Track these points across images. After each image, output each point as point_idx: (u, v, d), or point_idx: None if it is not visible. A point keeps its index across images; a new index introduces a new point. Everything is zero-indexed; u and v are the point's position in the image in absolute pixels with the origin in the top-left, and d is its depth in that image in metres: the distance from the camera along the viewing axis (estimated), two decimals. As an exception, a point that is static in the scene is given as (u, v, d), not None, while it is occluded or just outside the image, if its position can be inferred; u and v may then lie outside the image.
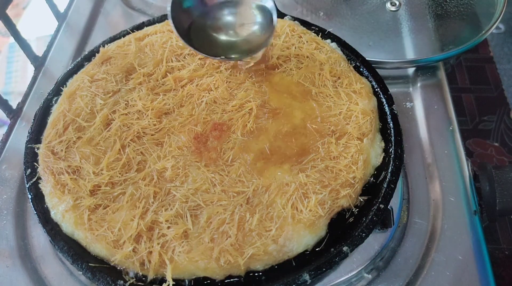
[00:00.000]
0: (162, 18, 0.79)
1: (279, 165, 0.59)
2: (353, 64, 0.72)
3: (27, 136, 0.65)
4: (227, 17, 0.68)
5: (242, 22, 0.68)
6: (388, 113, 0.66)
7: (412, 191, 0.74)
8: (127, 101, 0.66)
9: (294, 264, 0.53)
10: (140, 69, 0.69)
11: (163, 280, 0.52)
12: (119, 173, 0.59)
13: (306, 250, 0.54)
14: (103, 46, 0.75)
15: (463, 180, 0.75)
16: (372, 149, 0.61)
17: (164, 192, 0.57)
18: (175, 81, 0.68)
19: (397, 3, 0.97)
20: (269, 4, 0.66)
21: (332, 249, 0.54)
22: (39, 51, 0.98)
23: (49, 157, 0.60)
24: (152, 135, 0.63)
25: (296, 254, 0.54)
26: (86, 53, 0.76)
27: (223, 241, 0.52)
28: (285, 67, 0.70)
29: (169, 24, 0.68)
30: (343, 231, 0.56)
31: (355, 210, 0.57)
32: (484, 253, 0.67)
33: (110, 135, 0.62)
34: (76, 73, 0.72)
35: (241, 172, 0.58)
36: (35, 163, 0.62)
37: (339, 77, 0.68)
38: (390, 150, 0.61)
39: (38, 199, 0.59)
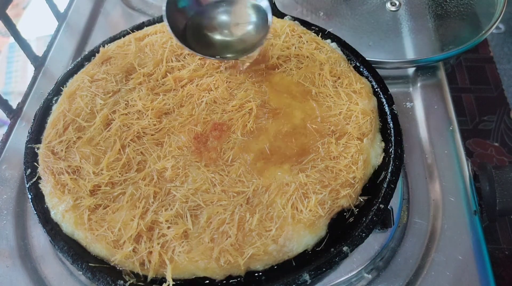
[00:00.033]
0: (162, 18, 0.79)
1: (279, 165, 0.59)
2: (353, 64, 0.72)
3: (27, 136, 0.65)
4: (222, 16, 0.68)
5: (237, 22, 0.68)
6: (388, 113, 0.66)
7: (412, 191, 0.74)
8: (127, 101, 0.66)
9: (294, 264, 0.53)
10: (140, 69, 0.69)
11: (163, 280, 0.52)
12: (119, 173, 0.59)
13: (306, 250, 0.54)
14: (103, 46, 0.75)
15: (463, 180, 0.75)
16: (372, 149, 0.61)
17: (164, 192, 0.57)
18: (175, 81, 0.68)
19: (397, 3, 0.97)
20: (264, 4, 0.66)
21: (332, 249, 0.54)
22: (39, 51, 0.98)
23: (49, 157, 0.60)
24: (152, 135, 0.63)
25: (296, 254, 0.54)
26: (86, 53, 0.76)
27: (223, 241, 0.52)
28: (285, 67, 0.70)
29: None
30: (343, 231, 0.56)
31: (355, 210, 0.57)
32: (484, 253, 0.67)
33: (110, 135, 0.62)
34: (76, 73, 0.72)
35: (241, 172, 0.58)
36: (35, 163, 0.62)
37: (339, 77, 0.68)
38: (390, 150, 0.61)
39: (38, 199, 0.59)
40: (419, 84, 0.89)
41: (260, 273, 0.53)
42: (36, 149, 0.63)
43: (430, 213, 0.72)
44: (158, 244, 0.52)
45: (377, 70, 0.70)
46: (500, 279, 0.86)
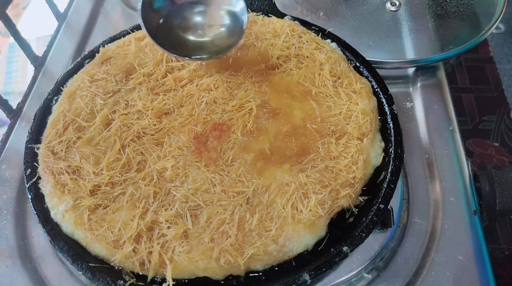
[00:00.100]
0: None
1: (279, 165, 0.59)
2: (353, 64, 0.72)
3: (27, 136, 0.65)
4: (197, 17, 0.68)
5: (211, 23, 0.68)
6: (388, 113, 0.66)
7: (412, 191, 0.74)
8: (127, 101, 0.66)
9: (294, 264, 0.53)
10: (140, 69, 0.69)
11: (163, 280, 0.52)
12: (119, 173, 0.59)
13: (306, 250, 0.54)
14: (103, 46, 0.75)
15: (463, 180, 0.75)
16: (372, 149, 0.61)
17: (164, 192, 0.57)
18: (175, 81, 0.68)
19: (397, 3, 0.97)
20: (240, 6, 0.66)
21: (332, 249, 0.54)
22: (39, 51, 0.98)
23: (49, 157, 0.60)
24: (152, 135, 0.63)
25: (296, 254, 0.54)
26: (86, 53, 0.76)
27: (223, 241, 0.52)
28: (285, 67, 0.70)
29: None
30: (343, 231, 0.56)
31: (355, 210, 0.57)
32: (484, 253, 0.67)
33: (110, 135, 0.62)
34: (76, 73, 0.72)
35: (241, 172, 0.58)
36: (35, 163, 0.62)
37: (339, 77, 0.68)
38: (390, 150, 0.61)
39: (38, 199, 0.59)
40: (419, 84, 0.89)
41: (260, 273, 0.53)
42: (36, 149, 0.63)
43: (430, 213, 0.72)
44: (158, 244, 0.52)
45: (377, 70, 0.70)
46: (500, 279, 0.86)
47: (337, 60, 0.69)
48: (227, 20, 0.68)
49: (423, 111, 0.85)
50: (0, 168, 0.80)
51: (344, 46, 0.74)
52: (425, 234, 0.70)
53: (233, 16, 0.67)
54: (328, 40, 0.74)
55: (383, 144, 0.63)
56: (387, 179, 0.59)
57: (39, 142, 0.64)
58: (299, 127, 0.63)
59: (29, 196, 0.59)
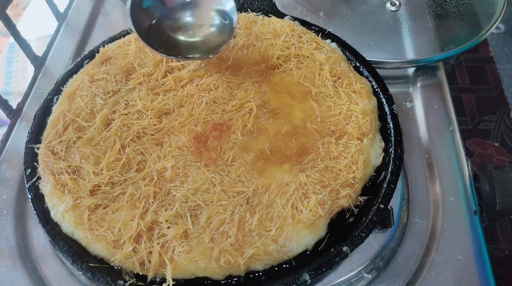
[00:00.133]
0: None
1: (279, 165, 0.59)
2: (353, 64, 0.72)
3: (27, 136, 0.65)
4: (187, 17, 0.68)
5: (201, 23, 0.68)
6: (388, 113, 0.66)
7: (412, 191, 0.74)
8: (127, 101, 0.66)
9: (294, 264, 0.53)
10: (140, 69, 0.69)
11: (163, 280, 0.52)
12: (119, 173, 0.59)
13: (306, 250, 0.54)
14: (103, 46, 0.75)
15: (463, 180, 0.75)
16: (372, 149, 0.61)
17: (164, 192, 0.57)
18: (175, 81, 0.68)
19: (397, 3, 0.97)
20: (230, 6, 0.66)
21: (332, 249, 0.54)
22: (39, 51, 0.98)
23: (49, 157, 0.60)
24: (152, 135, 0.63)
25: (296, 254, 0.53)
26: (86, 53, 0.76)
27: (223, 241, 0.52)
28: (285, 67, 0.70)
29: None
30: (343, 231, 0.56)
31: (355, 210, 0.57)
32: (484, 253, 0.67)
33: (110, 135, 0.62)
34: (76, 73, 0.72)
35: (241, 172, 0.58)
36: (35, 163, 0.62)
37: (339, 77, 0.68)
38: (390, 150, 0.61)
39: (38, 199, 0.59)
40: (419, 84, 0.89)
41: (260, 273, 0.53)
42: (36, 149, 0.63)
43: (430, 213, 0.72)
44: (158, 244, 0.52)
45: (377, 70, 0.70)
46: (500, 279, 0.86)
47: (337, 60, 0.69)
48: (217, 20, 0.68)
49: (423, 111, 0.85)
50: (0, 168, 0.80)
51: (344, 46, 0.74)
52: (425, 234, 0.70)
53: (223, 15, 0.67)
54: (328, 40, 0.74)
55: (383, 144, 0.63)
56: (387, 179, 0.59)
57: (39, 142, 0.64)
58: (299, 127, 0.63)
59: (29, 196, 0.59)
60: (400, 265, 0.67)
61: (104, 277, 0.52)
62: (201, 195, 0.56)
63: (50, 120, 0.66)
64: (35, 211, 0.58)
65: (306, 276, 0.51)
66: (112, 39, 0.77)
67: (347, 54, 0.73)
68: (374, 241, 0.67)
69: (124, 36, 0.77)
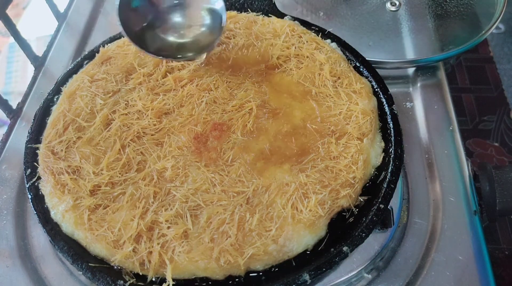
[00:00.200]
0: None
1: (279, 165, 0.59)
2: (353, 64, 0.72)
3: (27, 136, 0.65)
4: (177, 18, 0.68)
5: (191, 23, 0.68)
6: (388, 113, 0.66)
7: (412, 191, 0.74)
8: (127, 101, 0.66)
9: (294, 264, 0.53)
10: (140, 69, 0.69)
11: (163, 280, 0.52)
12: (119, 173, 0.59)
13: (306, 250, 0.54)
14: (103, 46, 0.75)
15: (463, 180, 0.75)
16: (372, 149, 0.61)
17: (164, 192, 0.57)
18: (175, 81, 0.68)
19: (397, 3, 0.97)
20: (219, 5, 0.66)
21: (332, 249, 0.54)
22: (39, 51, 0.98)
23: (49, 157, 0.60)
24: (152, 135, 0.63)
25: (296, 254, 0.53)
26: (86, 53, 0.76)
27: (223, 241, 0.52)
28: (285, 67, 0.70)
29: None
30: (343, 231, 0.56)
31: (355, 210, 0.57)
32: (484, 253, 0.67)
33: (110, 135, 0.62)
34: (76, 73, 0.72)
35: (241, 172, 0.58)
36: (35, 163, 0.62)
37: (339, 77, 0.68)
38: (390, 150, 0.61)
39: (38, 199, 0.59)
40: (419, 84, 0.89)
41: (260, 273, 0.53)
42: (36, 149, 0.63)
43: (430, 213, 0.72)
44: (158, 244, 0.52)
45: (377, 70, 0.70)
46: (500, 279, 0.86)
47: (337, 60, 0.69)
48: (207, 20, 0.68)
49: (423, 111, 0.85)
50: (0, 168, 0.80)
51: (344, 46, 0.74)
52: (425, 234, 0.70)
53: (213, 14, 0.67)
54: (328, 40, 0.74)
55: (383, 144, 0.63)
56: (387, 179, 0.59)
57: (39, 142, 0.64)
58: (299, 127, 0.63)
59: (29, 196, 0.59)
60: (400, 265, 0.67)
61: (104, 277, 0.52)
62: (201, 195, 0.56)
63: (50, 120, 0.66)
64: (35, 211, 0.58)
65: (306, 276, 0.51)
66: (112, 39, 0.77)
67: (347, 54, 0.73)
68: (374, 241, 0.67)
69: (124, 36, 0.77)
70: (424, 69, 0.91)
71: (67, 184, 0.57)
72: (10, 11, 0.88)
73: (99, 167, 0.59)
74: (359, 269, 0.66)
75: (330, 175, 0.58)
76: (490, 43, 1.32)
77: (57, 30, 1.04)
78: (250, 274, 0.53)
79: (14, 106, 0.88)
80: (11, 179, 0.78)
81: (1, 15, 0.86)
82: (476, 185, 0.75)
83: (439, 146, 0.79)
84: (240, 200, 0.55)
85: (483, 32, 0.86)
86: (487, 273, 0.66)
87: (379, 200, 0.57)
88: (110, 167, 0.59)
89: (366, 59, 0.72)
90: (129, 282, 0.52)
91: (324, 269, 0.52)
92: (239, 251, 0.52)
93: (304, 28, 0.75)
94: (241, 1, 0.79)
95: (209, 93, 0.66)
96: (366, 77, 0.70)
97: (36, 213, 0.58)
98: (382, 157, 0.61)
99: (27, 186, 0.60)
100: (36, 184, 0.60)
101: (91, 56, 0.74)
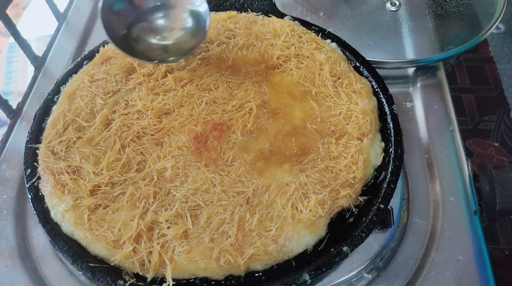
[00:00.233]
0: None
1: (279, 165, 0.59)
2: (353, 64, 0.72)
3: (27, 136, 0.65)
4: (159, 21, 0.68)
5: (173, 27, 0.68)
6: (388, 113, 0.66)
7: (412, 191, 0.74)
8: (127, 101, 0.66)
9: (294, 264, 0.53)
10: (140, 69, 0.69)
11: (163, 280, 0.52)
12: (119, 173, 0.59)
13: (306, 250, 0.54)
14: (103, 46, 0.75)
15: (463, 180, 0.75)
16: (372, 149, 0.61)
17: (164, 192, 0.57)
18: (175, 81, 0.68)
19: (397, 3, 0.97)
20: (203, 8, 0.66)
21: (332, 249, 0.54)
22: (39, 51, 0.98)
23: (49, 157, 0.60)
24: (152, 135, 0.63)
25: (296, 254, 0.54)
26: (86, 53, 0.76)
27: (223, 241, 0.52)
28: (285, 67, 0.70)
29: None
30: (343, 231, 0.56)
31: (355, 210, 0.57)
32: (484, 253, 0.67)
33: (110, 135, 0.62)
34: (76, 73, 0.72)
35: (241, 172, 0.58)
36: (35, 163, 0.62)
37: (339, 77, 0.68)
38: (390, 150, 0.61)
39: (38, 199, 0.59)
40: (419, 84, 0.89)
41: (260, 273, 0.53)
42: (36, 149, 0.63)
43: (430, 213, 0.72)
44: (158, 244, 0.52)
45: (377, 70, 0.70)
46: (500, 279, 0.86)
47: (337, 60, 0.69)
48: (190, 23, 0.68)
49: (423, 111, 0.85)
50: (0, 168, 0.80)
51: (344, 46, 0.74)
52: (425, 234, 0.70)
53: (196, 17, 0.67)
54: (328, 40, 0.74)
55: (383, 144, 0.63)
56: (387, 179, 0.59)
57: (39, 142, 0.64)
58: (299, 127, 0.63)
59: (29, 196, 0.59)
60: (400, 265, 0.67)
61: (104, 277, 0.52)
62: (201, 195, 0.56)
63: (50, 120, 0.66)
64: (35, 211, 0.58)
65: (306, 276, 0.51)
66: (112, 39, 0.77)
67: (347, 54, 0.73)
68: (374, 241, 0.67)
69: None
70: (424, 69, 0.91)
71: (67, 184, 0.58)
72: (10, 11, 0.88)
73: (99, 167, 0.59)
74: (359, 269, 0.66)
75: (330, 175, 0.58)
76: (490, 43, 1.32)
77: (57, 30, 1.04)
78: (250, 274, 0.53)
79: (14, 106, 0.88)
80: (11, 179, 0.78)
81: (1, 15, 0.86)
82: (476, 185, 0.75)
83: (439, 146, 0.79)
84: (240, 200, 0.55)
85: (483, 32, 0.86)
86: (487, 273, 0.66)
87: (379, 200, 0.57)
88: (110, 167, 0.59)
89: (366, 59, 0.72)
90: (129, 282, 0.52)
91: (324, 269, 0.52)
92: (239, 251, 0.52)
93: (304, 28, 0.75)
94: (241, 1, 0.79)
95: (209, 93, 0.66)
96: (366, 77, 0.70)
97: (36, 213, 0.58)
98: (382, 157, 0.61)
99: (27, 186, 0.60)
100: (36, 184, 0.60)
101: (91, 56, 0.74)
